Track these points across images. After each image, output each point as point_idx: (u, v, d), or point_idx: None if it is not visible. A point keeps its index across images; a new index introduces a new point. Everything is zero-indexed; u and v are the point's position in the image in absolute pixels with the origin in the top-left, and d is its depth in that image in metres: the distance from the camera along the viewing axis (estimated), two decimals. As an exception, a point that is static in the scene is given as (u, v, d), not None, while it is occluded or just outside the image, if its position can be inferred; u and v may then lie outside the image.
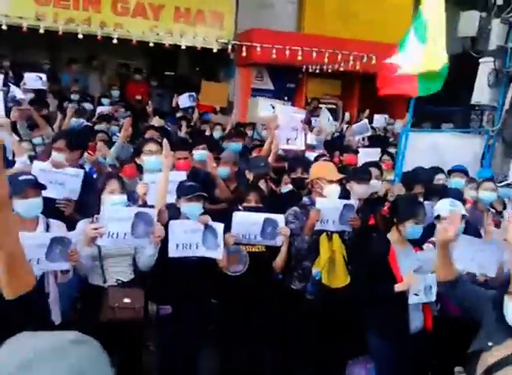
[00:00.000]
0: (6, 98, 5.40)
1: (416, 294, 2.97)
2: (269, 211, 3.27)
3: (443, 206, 3.38)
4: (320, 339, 3.40)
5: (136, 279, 3.03)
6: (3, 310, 1.79)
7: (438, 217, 3.41)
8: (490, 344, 1.96)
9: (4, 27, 7.27)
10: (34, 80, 6.38)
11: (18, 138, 4.59)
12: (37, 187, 2.71)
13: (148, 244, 2.85)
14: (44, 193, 3.24)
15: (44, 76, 6.48)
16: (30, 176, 2.78)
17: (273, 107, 6.16)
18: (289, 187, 4.17)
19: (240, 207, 3.30)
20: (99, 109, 7.20)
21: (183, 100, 7.65)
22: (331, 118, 6.34)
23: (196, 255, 3.00)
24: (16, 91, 5.77)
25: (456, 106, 8.88)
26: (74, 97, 7.75)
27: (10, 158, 3.86)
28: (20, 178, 2.70)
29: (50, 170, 3.45)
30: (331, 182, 3.52)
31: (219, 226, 3.03)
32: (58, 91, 8.23)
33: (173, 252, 2.93)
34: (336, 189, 3.52)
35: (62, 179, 3.45)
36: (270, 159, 4.52)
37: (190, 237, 2.96)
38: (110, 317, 2.86)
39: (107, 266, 2.95)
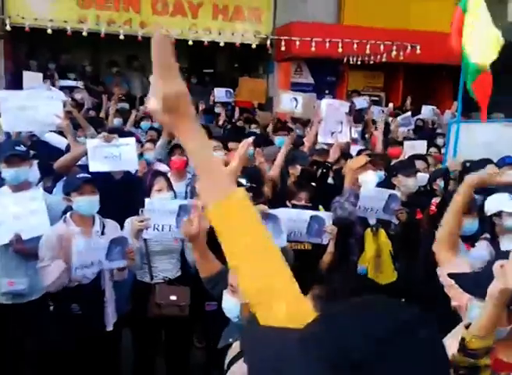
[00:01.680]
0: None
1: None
2: (315, 206, 3.21)
3: (502, 200, 3.10)
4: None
5: (183, 276, 3.04)
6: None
7: (498, 214, 3.01)
8: None
9: (49, 31, 7.47)
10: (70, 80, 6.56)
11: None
12: (93, 184, 2.77)
13: None
14: (103, 168, 3.28)
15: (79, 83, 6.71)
16: (87, 175, 2.88)
17: (296, 100, 6.08)
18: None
19: (289, 204, 3.24)
20: (142, 109, 7.30)
21: (220, 93, 7.64)
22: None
23: None
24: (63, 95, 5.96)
25: (507, 95, 8.48)
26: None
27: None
28: (78, 176, 2.82)
29: (102, 145, 3.57)
30: (364, 169, 3.44)
31: (280, 212, 2.95)
32: (100, 92, 8.43)
33: None
34: (370, 176, 3.44)
35: (117, 151, 3.57)
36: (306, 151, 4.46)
37: None
38: (156, 314, 2.88)
39: (154, 263, 2.97)
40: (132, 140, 3.74)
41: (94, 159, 3.54)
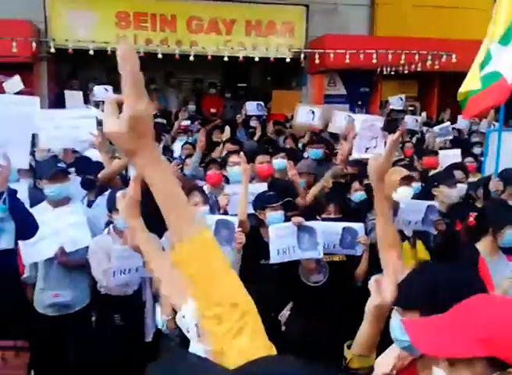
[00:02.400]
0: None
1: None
2: (345, 220, 3.22)
3: None
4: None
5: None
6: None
7: None
8: None
9: (91, 52, 7.80)
10: (103, 92, 6.65)
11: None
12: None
13: (230, 250, 2.90)
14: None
15: (110, 88, 6.74)
16: None
17: (313, 112, 6.10)
18: (361, 193, 4.04)
19: (319, 218, 3.27)
20: (177, 123, 7.49)
21: (251, 107, 7.72)
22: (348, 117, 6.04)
23: (294, 259, 2.96)
24: (97, 112, 6.12)
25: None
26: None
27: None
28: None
29: None
30: (399, 184, 3.42)
31: (316, 224, 2.98)
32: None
33: (275, 258, 2.90)
34: (404, 190, 3.41)
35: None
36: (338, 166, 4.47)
37: (286, 241, 2.93)
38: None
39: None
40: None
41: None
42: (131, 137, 0.87)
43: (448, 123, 7.05)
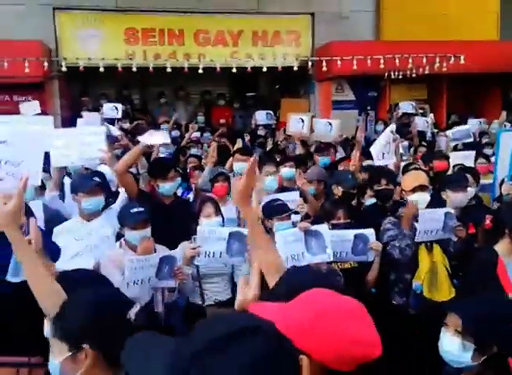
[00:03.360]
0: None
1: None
2: (355, 225, 3.22)
3: None
4: (421, 356, 3.24)
5: (234, 298, 3.11)
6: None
7: None
8: None
9: (101, 70, 7.93)
10: (111, 109, 6.75)
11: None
12: (146, 219, 2.91)
13: (243, 262, 2.93)
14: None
15: (119, 107, 6.82)
16: (141, 209, 2.98)
17: (302, 121, 6.15)
18: (373, 199, 4.05)
19: (328, 225, 3.27)
20: (187, 135, 7.56)
21: (261, 116, 7.76)
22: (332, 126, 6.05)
23: (304, 264, 2.95)
24: (112, 129, 6.19)
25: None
26: (163, 127, 8.22)
27: (114, 189, 4.18)
28: (132, 211, 2.94)
29: None
30: (412, 191, 3.41)
31: (323, 228, 2.99)
32: (150, 122, 8.81)
33: (286, 265, 2.91)
34: (419, 197, 3.40)
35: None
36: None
37: (294, 247, 2.94)
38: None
39: (205, 286, 3.08)
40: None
41: None
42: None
43: (467, 126, 6.93)
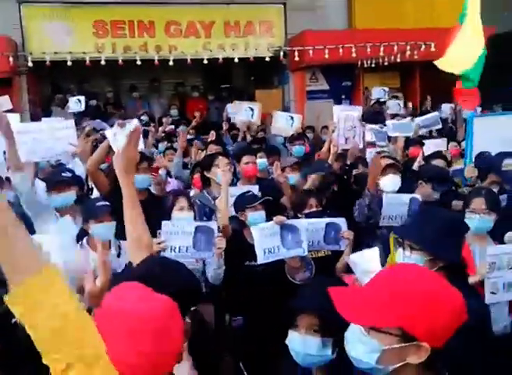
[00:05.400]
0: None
1: (493, 293, 2.75)
2: (332, 213, 3.22)
3: None
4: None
5: (206, 294, 3.08)
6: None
7: None
8: None
9: (69, 63, 7.74)
10: (75, 103, 6.61)
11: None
12: (111, 213, 2.86)
13: (212, 256, 2.89)
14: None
15: (82, 99, 6.68)
16: (106, 203, 2.97)
17: (252, 109, 6.13)
18: None
19: (300, 215, 3.26)
20: (161, 129, 7.46)
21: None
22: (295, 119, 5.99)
23: (280, 258, 2.94)
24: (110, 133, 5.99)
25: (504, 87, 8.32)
26: (144, 118, 8.09)
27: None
28: (97, 204, 2.93)
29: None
30: (383, 173, 3.44)
31: (298, 222, 2.98)
32: (124, 116, 8.66)
33: (261, 259, 2.88)
34: (391, 178, 3.43)
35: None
36: (330, 160, 4.47)
37: (270, 240, 2.91)
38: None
39: (177, 282, 3.03)
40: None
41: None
42: None
43: (436, 112, 7.01)
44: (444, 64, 4.26)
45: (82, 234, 2.98)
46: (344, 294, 1.26)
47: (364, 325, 1.18)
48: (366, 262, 2.20)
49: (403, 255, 2.06)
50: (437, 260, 1.98)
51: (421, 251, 1.99)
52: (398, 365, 1.15)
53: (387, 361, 1.15)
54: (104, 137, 4.65)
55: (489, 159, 4.48)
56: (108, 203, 2.94)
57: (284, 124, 5.88)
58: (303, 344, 1.81)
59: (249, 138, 6.25)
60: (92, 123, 6.05)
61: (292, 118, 5.90)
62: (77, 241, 2.95)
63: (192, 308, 1.43)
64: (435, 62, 4.29)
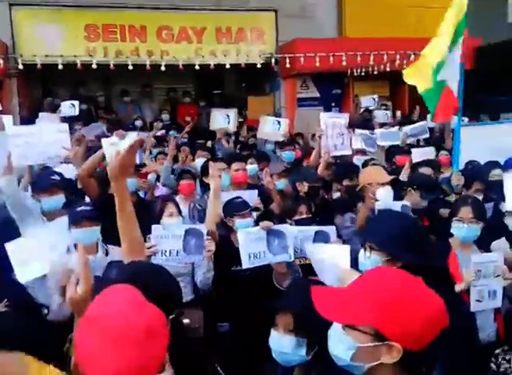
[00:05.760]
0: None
1: (479, 301, 2.80)
2: (321, 220, 3.24)
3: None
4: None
5: (196, 299, 3.09)
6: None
7: None
8: None
9: (60, 67, 7.72)
10: (68, 107, 6.58)
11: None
12: (92, 218, 2.86)
13: (202, 259, 2.90)
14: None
15: (76, 104, 6.66)
16: (87, 208, 2.97)
17: (228, 116, 6.19)
18: (337, 194, 4.11)
19: (290, 221, 3.28)
20: (151, 133, 7.46)
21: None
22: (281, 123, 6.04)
23: (265, 263, 2.94)
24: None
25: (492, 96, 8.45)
26: (138, 123, 8.11)
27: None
28: (78, 209, 2.92)
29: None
30: (382, 185, 3.45)
31: (285, 228, 2.99)
32: (115, 120, 8.67)
33: (247, 263, 2.89)
34: (388, 191, 3.45)
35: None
36: (320, 168, 4.51)
37: (256, 245, 2.92)
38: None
39: (165, 287, 3.03)
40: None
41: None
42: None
43: (424, 122, 7.08)
44: (409, 76, 4.29)
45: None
46: (324, 293, 1.32)
47: (339, 322, 1.24)
48: (333, 257, 2.22)
49: (364, 256, 2.17)
50: (395, 260, 2.07)
51: (380, 251, 2.10)
52: (373, 364, 1.19)
53: (361, 359, 1.21)
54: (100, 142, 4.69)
55: (477, 168, 4.55)
56: (89, 208, 2.94)
57: (271, 129, 5.92)
58: (279, 342, 1.85)
59: (231, 145, 6.30)
60: (90, 128, 6.06)
61: (279, 122, 5.94)
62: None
63: (170, 317, 1.43)
64: (403, 72, 4.32)
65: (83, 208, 2.94)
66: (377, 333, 1.17)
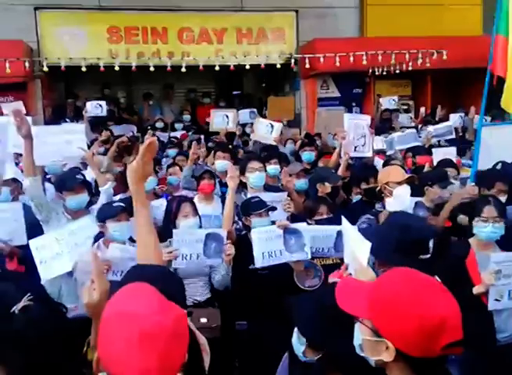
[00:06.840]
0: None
1: (497, 300, 2.75)
2: (338, 220, 3.22)
3: None
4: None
5: (213, 298, 3.11)
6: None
7: None
8: None
9: (83, 69, 7.85)
10: (95, 107, 6.67)
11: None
12: (128, 211, 2.93)
13: (221, 263, 2.92)
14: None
15: (103, 104, 6.73)
16: (121, 204, 3.08)
17: (227, 117, 6.12)
18: (358, 196, 4.08)
19: (310, 221, 3.28)
20: (172, 134, 7.54)
21: (244, 116, 7.63)
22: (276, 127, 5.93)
23: (282, 262, 2.95)
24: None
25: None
26: (159, 125, 8.21)
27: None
28: (114, 205, 3.09)
29: None
30: (399, 183, 3.42)
31: (302, 226, 2.99)
32: (137, 121, 8.77)
33: (260, 262, 2.90)
34: (405, 190, 3.42)
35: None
36: (341, 169, 4.49)
37: (272, 244, 2.92)
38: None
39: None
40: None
41: None
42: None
43: (449, 122, 6.95)
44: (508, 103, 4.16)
45: (98, 236, 3.04)
46: (347, 285, 1.42)
47: (348, 312, 1.30)
48: (357, 246, 2.20)
49: None
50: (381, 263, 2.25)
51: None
52: (376, 358, 1.24)
53: (367, 351, 1.28)
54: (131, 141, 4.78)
55: (504, 168, 4.42)
56: (123, 205, 3.02)
57: (264, 132, 5.90)
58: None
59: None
60: (121, 128, 6.16)
61: (272, 126, 5.92)
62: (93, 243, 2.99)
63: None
64: (502, 106, 4.21)
65: (118, 203, 3.05)
66: (375, 329, 1.22)
